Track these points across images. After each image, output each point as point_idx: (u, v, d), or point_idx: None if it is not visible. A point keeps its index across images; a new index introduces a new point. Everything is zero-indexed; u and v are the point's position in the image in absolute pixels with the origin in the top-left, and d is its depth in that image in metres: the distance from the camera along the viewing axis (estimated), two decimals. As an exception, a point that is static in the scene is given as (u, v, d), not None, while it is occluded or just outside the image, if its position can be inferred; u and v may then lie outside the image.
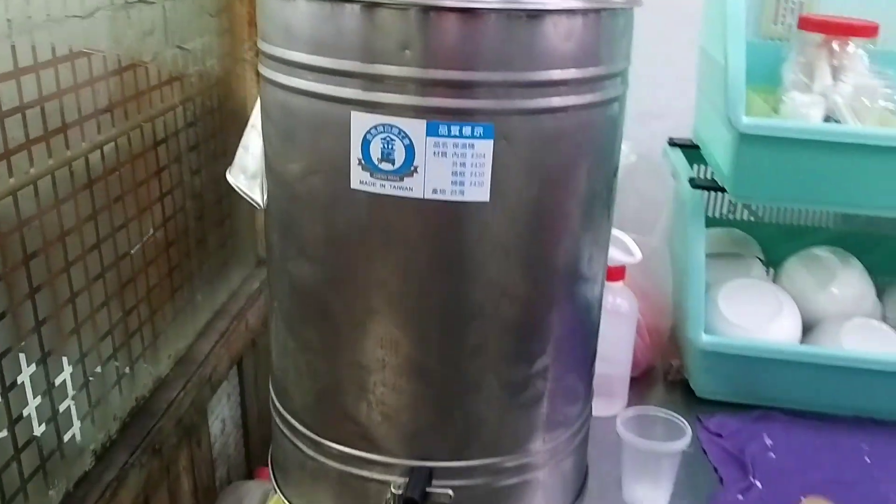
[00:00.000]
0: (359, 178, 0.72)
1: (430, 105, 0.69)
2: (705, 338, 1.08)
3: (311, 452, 0.86)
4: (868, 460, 1.06)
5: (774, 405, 1.15)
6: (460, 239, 0.74)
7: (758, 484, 0.99)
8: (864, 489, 1.00)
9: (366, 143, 0.71)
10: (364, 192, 0.72)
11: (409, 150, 0.70)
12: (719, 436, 1.09)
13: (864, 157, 0.97)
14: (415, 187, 0.71)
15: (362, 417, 0.81)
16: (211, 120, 1.36)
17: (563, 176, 0.75)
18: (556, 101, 0.72)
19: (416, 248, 0.74)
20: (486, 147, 0.70)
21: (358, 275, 0.76)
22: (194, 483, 1.41)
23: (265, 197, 0.85)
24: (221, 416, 1.56)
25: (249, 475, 1.65)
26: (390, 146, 0.71)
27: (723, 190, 1.09)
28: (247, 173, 0.87)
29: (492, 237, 0.74)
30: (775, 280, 1.32)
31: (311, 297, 0.80)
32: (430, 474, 0.81)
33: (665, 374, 1.23)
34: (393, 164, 0.71)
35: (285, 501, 0.91)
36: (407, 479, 0.81)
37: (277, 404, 0.90)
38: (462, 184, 0.71)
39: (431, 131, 0.70)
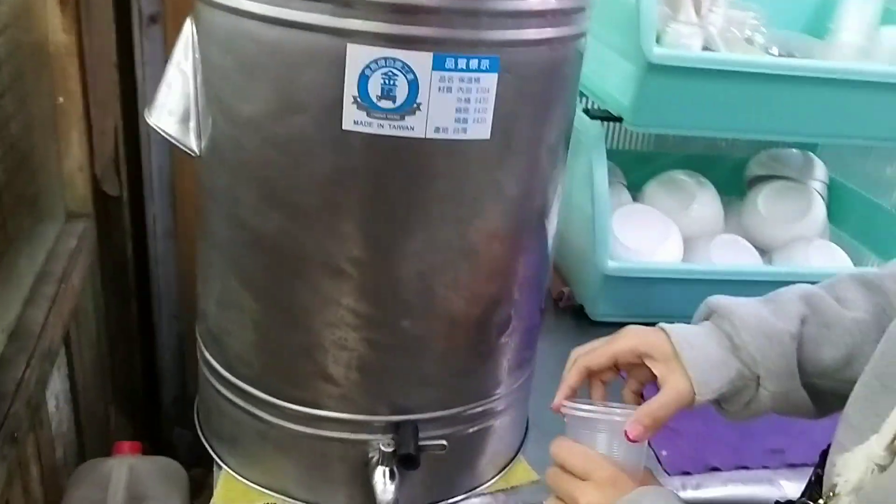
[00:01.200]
0: (353, 118, 0.65)
1: (437, 36, 0.64)
2: (612, 263, 1.12)
3: (277, 421, 0.78)
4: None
5: (664, 320, 1.22)
6: (458, 179, 0.70)
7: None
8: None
9: (363, 79, 0.64)
10: (358, 133, 0.66)
11: (413, 85, 0.65)
12: (624, 355, 1.15)
13: (760, 84, 1.04)
14: (416, 126, 0.66)
15: (341, 377, 0.75)
16: (11, 61, 1.16)
17: (552, 109, 0.73)
18: (552, 32, 0.69)
19: (411, 192, 0.69)
20: (490, 81, 0.66)
21: (343, 223, 0.70)
22: (41, 469, 1.26)
23: (203, 141, 0.75)
24: (55, 391, 1.39)
25: (82, 452, 1.49)
26: (392, 82, 0.64)
27: (618, 119, 1.12)
28: (175, 116, 0.75)
29: (488, 176, 0.71)
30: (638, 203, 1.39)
31: (282, 251, 0.72)
32: (416, 428, 0.78)
33: (556, 302, 1.27)
34: (394, 101, 0.65)
35: (239, 479, 0.83)
36: (392, 437, 0.77)
37: (225, 373, 0.81)
38: (465, 121, 0.67)
39: (438, 65, 0.64)
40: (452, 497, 0.84)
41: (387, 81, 0.64)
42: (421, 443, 0.77)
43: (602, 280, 1.15)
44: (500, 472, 0.88)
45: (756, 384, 0.70)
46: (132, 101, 1.40)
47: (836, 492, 0.54)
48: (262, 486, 0.82)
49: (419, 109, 0.65)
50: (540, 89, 0.71)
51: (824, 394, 0.71)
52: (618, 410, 0.70)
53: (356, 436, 0.78)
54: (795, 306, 0.71)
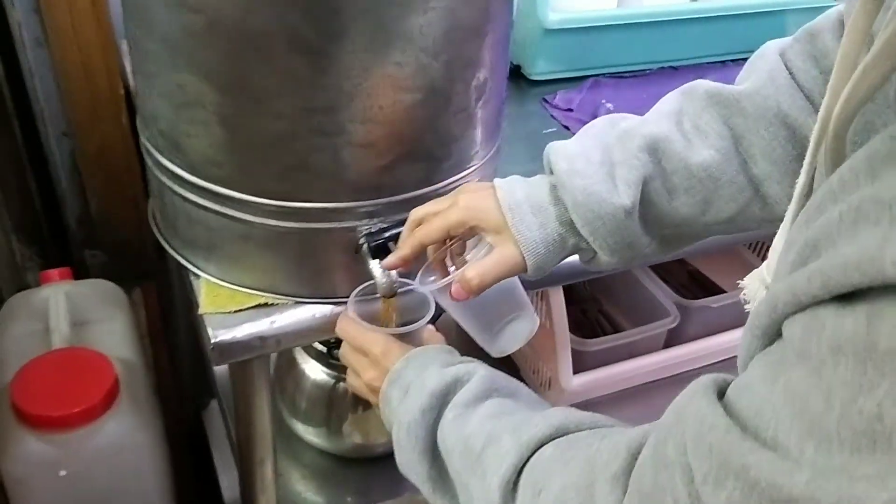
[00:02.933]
0: None
1: None
2: (553, 16, 1.07)
3: (259, 220, 0.74)
4: (688, 104, 1.18)
5: (600, 72, 1.21)
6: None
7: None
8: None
9: None
10: None
11: None
12: (570, 110, 1.14)
13: None
14: None
15: (324, 165, 0.71)
16: None
17: None
18: None
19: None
20: None
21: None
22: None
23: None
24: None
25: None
26: None
27: None
28: None
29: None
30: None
31: (245, 32, 0.64)
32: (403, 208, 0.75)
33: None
34: None
35: (223, 284, 0.79)
36: (382, 219, 0.75)
37: (192, 178, 0.74)
38: None
39: None
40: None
41: None
42: (411, 221, 0.75)
43: (542, 35, 1.11)
44: (480, 240, 0.88)
45: (594, 253, 0.67)
46: None
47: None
48: (249, 288, 0.79)
49: None
50: None
51: (687, 237, 0.69)
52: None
53: (344, 223, 0.75)
54: (639, 165, 0.64)
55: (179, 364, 1.71)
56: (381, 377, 0.68)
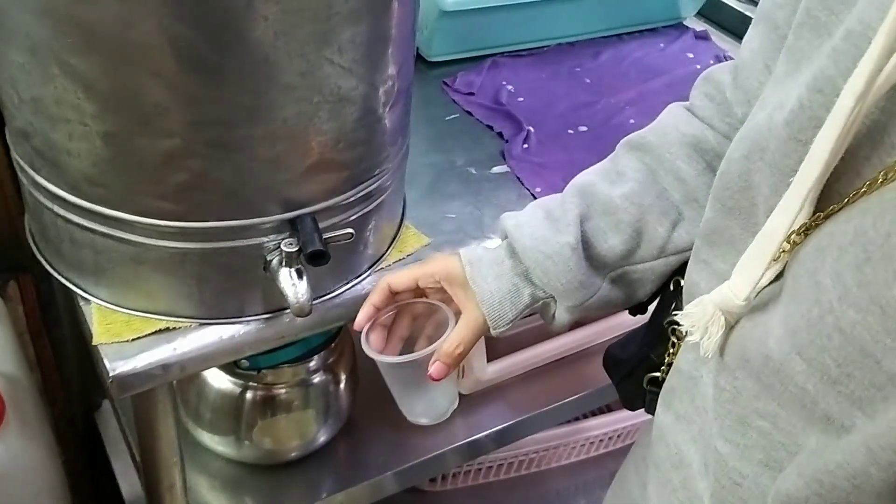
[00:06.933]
0: None
1: None
2: (451, -1, 1.04)
3: (153, 242, 0.68)
4: (588, 80, 1.17)
5: (497, 51, 1.18)
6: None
7: (529, 129, 1.03)
8: (599, 105, 1.11)
9: None
10: None
11: None
12: (471, 94, 1.10)
13: None
14: None
15: (222, 181, 0.65)
16: None
17: None
18: None
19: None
20: None
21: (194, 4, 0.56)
22: None
23: None
24: None
25: None
26: None
27: None
28: None
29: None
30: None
31: (125, 44, 0.57)
32: (315, 221, 0.71)
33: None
34: None
35: (117, 310, 0.73)
36: (290, 235, 0.70)
37: (74, 199, 0.67)
38: None
39: None
40: (357, 278, 0.80)
41: None
42: (325, 235, 0.70)
43: (439, 17, 1.07)
44: (392, 243, 0.85)
45: (554, 301, 0.70)
46: None
47: (686, 336, 0.52)
48: (146, 312, 0.73)
49: None
50: None
51: (636, 280, 0.71)
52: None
53: (249, 241, 0.69)
54: (573, 207, 0.70)
55: (65, 361, 1.61)
56: None
